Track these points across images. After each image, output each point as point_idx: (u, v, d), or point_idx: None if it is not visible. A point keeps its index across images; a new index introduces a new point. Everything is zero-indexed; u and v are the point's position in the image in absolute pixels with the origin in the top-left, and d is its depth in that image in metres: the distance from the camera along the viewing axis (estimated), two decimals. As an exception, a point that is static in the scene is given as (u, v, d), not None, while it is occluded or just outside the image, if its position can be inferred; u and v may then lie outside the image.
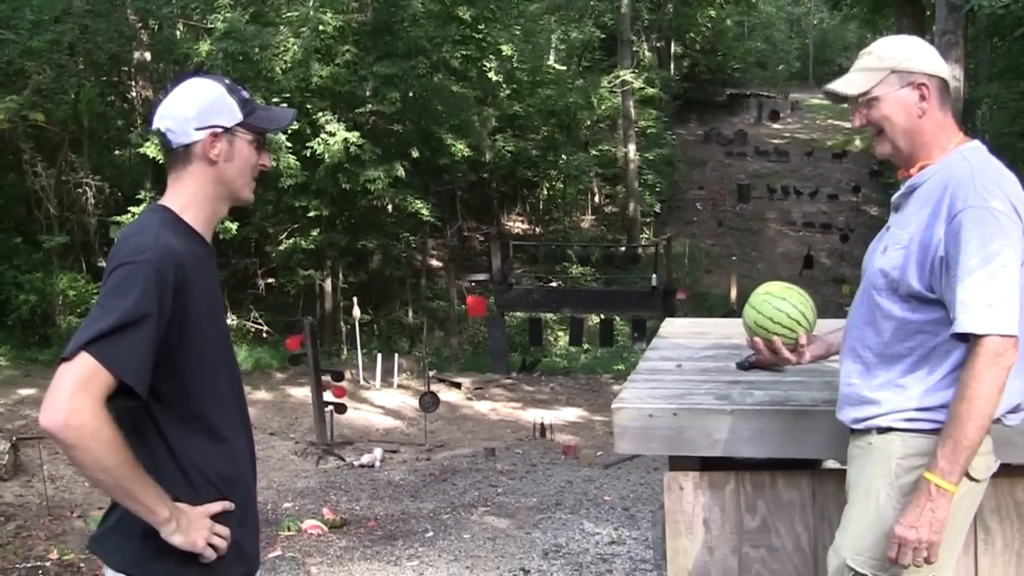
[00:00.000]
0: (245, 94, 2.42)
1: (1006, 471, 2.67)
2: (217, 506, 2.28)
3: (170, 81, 20.32)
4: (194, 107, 2.33)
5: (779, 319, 3.09)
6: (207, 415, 2.30)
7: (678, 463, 3.24)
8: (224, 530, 2.28)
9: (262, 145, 2.43)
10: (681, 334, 4.61)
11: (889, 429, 2.57)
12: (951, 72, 13.79)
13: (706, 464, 3.21)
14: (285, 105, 16.29)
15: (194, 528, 2.20)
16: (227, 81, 2.41)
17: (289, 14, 18.67)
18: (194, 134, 2.32)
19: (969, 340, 2.40)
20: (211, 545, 2.24)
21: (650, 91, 30.23)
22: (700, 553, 3.17)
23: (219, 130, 2.34)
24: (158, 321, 2.13)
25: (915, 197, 2.62)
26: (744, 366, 3.66)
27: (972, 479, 2.52)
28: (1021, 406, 2.60)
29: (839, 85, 2.73)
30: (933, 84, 2.63)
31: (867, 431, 2.62)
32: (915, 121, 2.63)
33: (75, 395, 2.01)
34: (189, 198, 2.35)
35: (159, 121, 2.35)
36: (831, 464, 3.32)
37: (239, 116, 2.36)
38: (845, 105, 2.81)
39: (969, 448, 2.40)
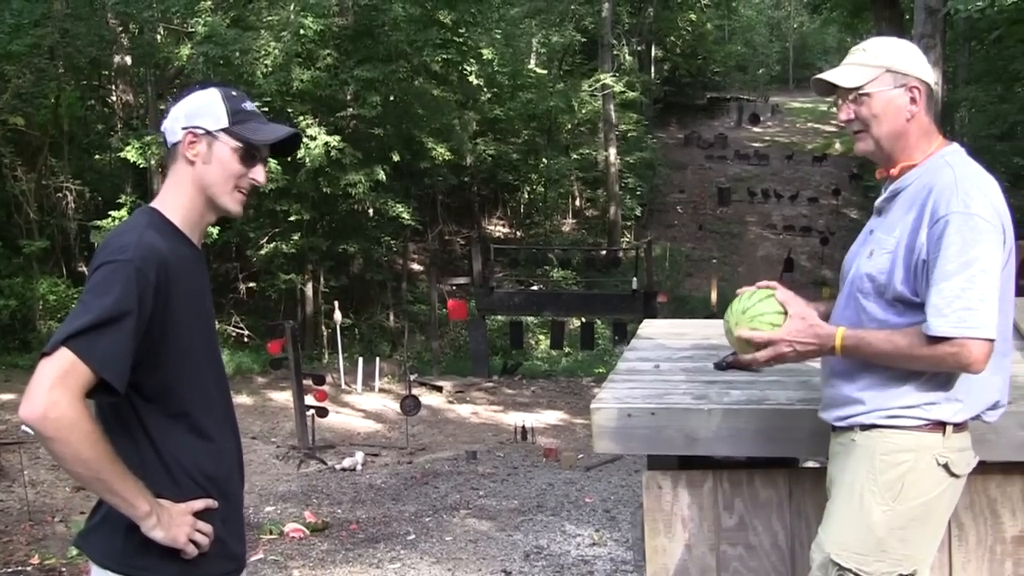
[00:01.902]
0: (247, 106, 2.44)
1: (980, 468, 2.70)
2: (200, 503, 2.30)
3: (150, 85, 20.31)
4: (184, 108, 2.40)
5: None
6: (192, 413, 2.32)
7: (657, 462, 3.27)
8: (206, 527, 2.29)
9: (252, 158, 2.43)
10: (660, 335, 4.63)
11: (872, 426, 2.60)
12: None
13: (684, 463, 3.24)
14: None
15: (175, 524, 2.22)
16: (233, 92, 2.45)
17: (270, 18, 18.63)
18: (179, 133, 2.39)
19: (941, 342, 2.43)
20: (193, 542, 2.26)
21: (631, 95, 30.29)
22: (678, 551, 3.20)
23: (200, 131, 2.38)
24: (138, 319, 2.15)
25: (899, 201, 2.65)
26: (722, 366, 3.67)
27: (952, 474, 2.56)
28: (999, 403, 2.65)
29: (833, 76, 2.71)
30: (923, 89, 2.66)
31: (850, 428, 2.65)
32: (903, 123, 2.64)
33: (54, 388, 2.04)
34: (174, 200, 2.40)
35: (163, 123, 2.45)
36: (809, 463, 3.36)
37: (224, 122, 2.39)
38: (828, 100, 2.80)
39: (866, 353, 2.57)
